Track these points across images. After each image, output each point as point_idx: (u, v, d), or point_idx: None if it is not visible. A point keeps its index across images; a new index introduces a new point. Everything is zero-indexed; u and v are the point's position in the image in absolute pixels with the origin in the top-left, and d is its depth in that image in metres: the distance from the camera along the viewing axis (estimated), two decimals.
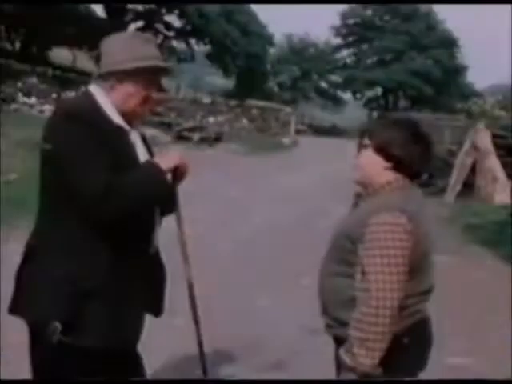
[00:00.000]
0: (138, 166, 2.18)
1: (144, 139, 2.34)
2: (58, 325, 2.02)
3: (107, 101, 2.17)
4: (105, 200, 1.99)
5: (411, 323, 2.17)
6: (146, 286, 2.25)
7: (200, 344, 2.52)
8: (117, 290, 2.12)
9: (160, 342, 3.96)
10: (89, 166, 2.02)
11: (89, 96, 2.19)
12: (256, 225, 8.71)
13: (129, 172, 2.09)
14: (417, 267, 2.12)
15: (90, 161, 2.02)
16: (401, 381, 2.34)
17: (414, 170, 2.23)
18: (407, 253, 2.06)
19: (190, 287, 2.44)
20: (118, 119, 2.18)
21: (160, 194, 2.17)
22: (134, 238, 2.18)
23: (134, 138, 2.24)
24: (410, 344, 2.17)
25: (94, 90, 2.20)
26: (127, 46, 2.22)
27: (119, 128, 2.18)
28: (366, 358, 2.05)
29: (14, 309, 2.18)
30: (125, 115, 2.20)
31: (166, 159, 2.20)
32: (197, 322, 2.49)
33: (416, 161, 2.21)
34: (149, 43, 2.27)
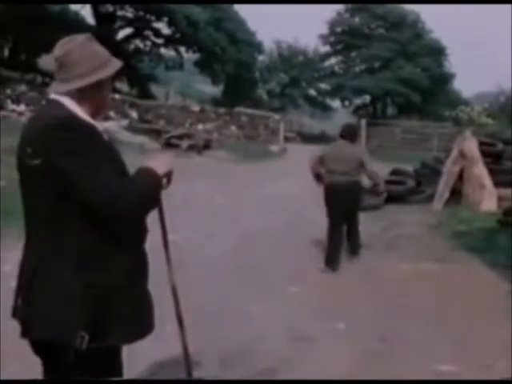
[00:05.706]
0: (124, 165, 2.24)
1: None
2: (83, 333, 2.01)
3: (79, 108, 2.17)
4: (119, 201, 2.03)
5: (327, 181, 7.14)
6: (144, 279, 2.29)
7: (184, 345, 2.54)
8: (131, 287, 2.16)
9: (149, 349, 3.94)
10: (98, 172, 2.03)
11: (61, 106, 2.15)
12: (244, 232, 8.72)
13: (122, 171, 2.19)
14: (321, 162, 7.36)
15: (98, 166, 2.04)
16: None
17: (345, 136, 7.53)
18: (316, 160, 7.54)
19: (174, 290, 2.47)
20: (93, 122, 2.19)
21: (157, 197, 2.26)
22: (137, 236, 2.24)
23: (106, 137, 2.26)
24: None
25: (63, 100, 2.17)
26: (93, 52, 2.20)
27: (98, 131, 2.19)
28: None
29: (29, 332, 2.13)
30: (93, 117, 2.22)
31: (161, 165, 2.24)
32: (181, 324, 2.51)
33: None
34: (97, 43, 2.26)
